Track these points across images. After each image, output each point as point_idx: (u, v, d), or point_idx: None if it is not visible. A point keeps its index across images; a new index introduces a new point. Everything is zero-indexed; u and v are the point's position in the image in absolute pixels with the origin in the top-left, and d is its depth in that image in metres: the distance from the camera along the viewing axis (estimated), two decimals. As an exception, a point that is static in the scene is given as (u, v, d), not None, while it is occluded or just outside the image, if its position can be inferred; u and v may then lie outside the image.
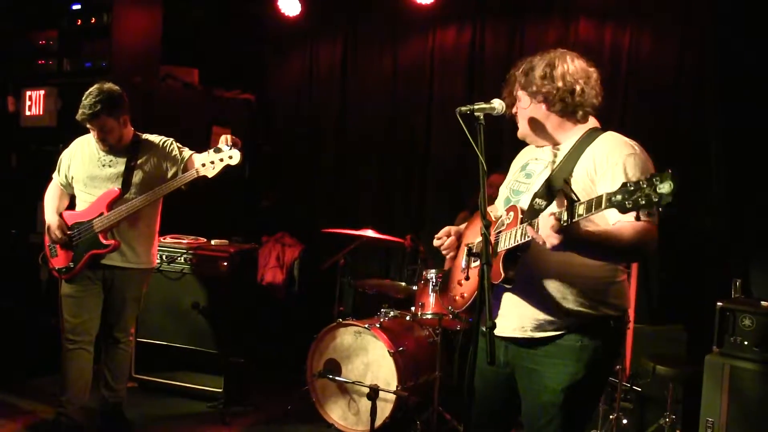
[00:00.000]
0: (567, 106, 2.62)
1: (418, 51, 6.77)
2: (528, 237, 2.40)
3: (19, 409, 4.82)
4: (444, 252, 2.99)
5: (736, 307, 4.09)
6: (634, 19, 5.70)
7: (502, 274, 2.51)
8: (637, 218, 2.06)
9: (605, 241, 2.38)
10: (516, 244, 2.49)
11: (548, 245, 2.26)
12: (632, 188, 2.01)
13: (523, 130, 2.77)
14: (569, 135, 2.67)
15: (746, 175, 5.08)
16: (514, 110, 2.76)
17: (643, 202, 1.97)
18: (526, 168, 2.79)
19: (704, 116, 5.37)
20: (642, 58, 5.67)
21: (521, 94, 2.71)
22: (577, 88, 2.60)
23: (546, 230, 2.24)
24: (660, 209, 1.97)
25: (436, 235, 2.98)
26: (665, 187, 1.93)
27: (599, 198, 2.13)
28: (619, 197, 2.04)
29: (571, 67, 2.63)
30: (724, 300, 4.16)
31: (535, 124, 2.71)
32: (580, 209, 2.20)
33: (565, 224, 2.22)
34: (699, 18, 5.42)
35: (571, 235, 2.25)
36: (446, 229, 2.98)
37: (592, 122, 2.69)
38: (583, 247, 2.39)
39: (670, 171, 1.94)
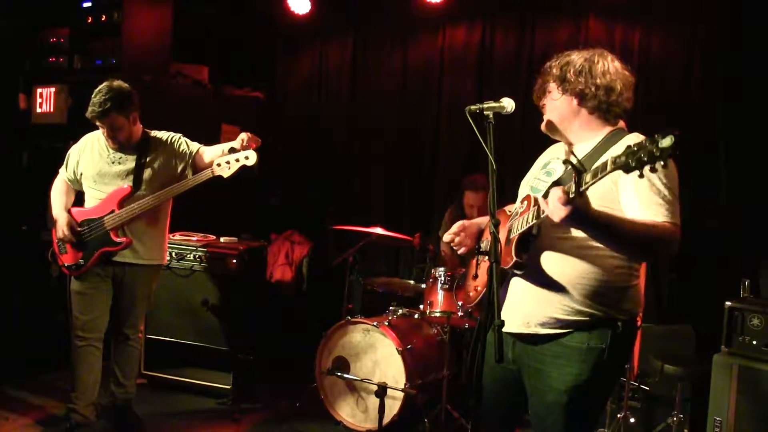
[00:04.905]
0: (601, 104, 2.59)
1: (428, 49, 6.78)
2: (539, 217, 2.41)
3: (30, 405, 4.85)
4: (455, 247, 2.96)
5: (744, 306, 4.07)
6: (644, 18, 5.70)
7: (514, 258, 2.50)
8: (641, 176, 2.01)
9: (616, 223, 2.36)
10: (528, 225, 2.49)
11: (555, 218, 2.25)
12: (636, 148, 2.01)
13: (549, 123, 2.73)
14: (595, 134, 2.63)
15: (755, 175, 5.07)
16: (542, 102, 2.73)
17: (646, 158, 1.97)
18: (547, 166, 2.76)
19: (712, 115, 5.36)
20: (651, 56, 5.67)
21: (553, 86, 2.67)
22: (617, 87, 2.59)
23: (554, 202, 2.23)
24: (662, 162, 1.95)
25: (448, 231, 2.94)
26: (666, 141, 1.94)
27: (604, 163, 2.12)
28: (623, 158, 2.04)
29: (611, 66, 2.61)
30: (733, 299, 4.15)
31: (563, 118, 2.68)
32: (587, 177, 2.18)
33: (573, 195, 2.20)
34: (707, 18, 5.41)
35: (578, 210, 2.24)
36: (460, 224, 2.95)
37: (620, 125, 2.67)
38: (591, 224, 2.36)
39: (673, 129, 1.95)
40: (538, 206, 2.43)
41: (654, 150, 1.95)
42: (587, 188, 2.20)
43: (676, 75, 5.56)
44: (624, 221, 2.38)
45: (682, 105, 5.52)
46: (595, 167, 2.17)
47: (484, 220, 3.01)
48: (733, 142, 5.23)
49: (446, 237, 2.95)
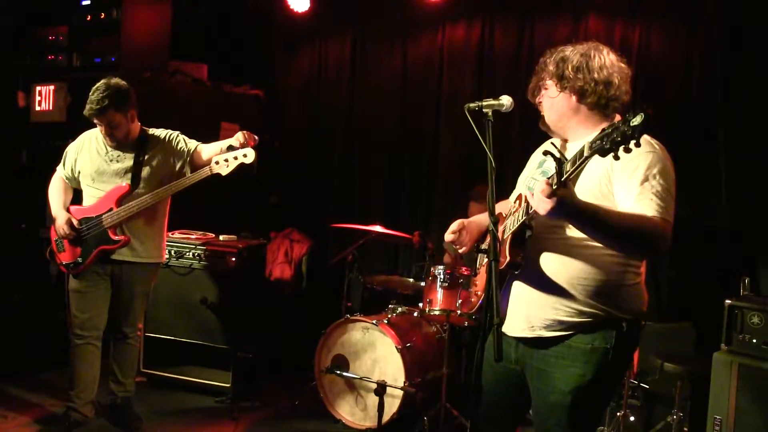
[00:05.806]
0: (600, 99, 2.57)
1: (428, 47, 6.76)
2: (528, 213, 2.40)
3: (29, 403, 4.84)
4: (456, 247, 2.92)
5: (744, 304, 4.07)
6: (644, 16, 5.69)
7: (508, 257, 2.50)
8: (616, 158, 2.00)
9: (603, 215, 2.32)
10: (519, 223, 2.48)
11: (541, 211, 2.22)
12: (609, 130, 2.01)
13: (548, 120, 2.72)
14: (592, 131, 2.57)
15: (754, 173, 5.06)
16: (539, 99, 2.72)
17: (619, 138, 1.97)
18: (543, 165, 2.75)
19: (712, 114, 5.35)
20: (651, 55, 5.66)
21: (550, 83, 2.65)
22: (614, 81, 2.56)
23: (538, 194, 2.21)
24: (635, 140, 1.95)
25: (449, 230, 2.89)
26: (637, 119, 1.93)
27: (581, 149, 2.12)
28: (598, 141, 2.04)
29: (607, 60, 2.59)
30: (733, 298, 4.15)
31: (562, 115, 2.66)
32: (568, 166, 2.18)
33: (555, 186, 2.18)
34: (707, 16, 5.40)
35: (563, 201, 2.20)
36: (458, 222, 2.90)
37: (616, 119, 2.59)
38: (578, 215, 2.32)
39: (644, 106, 1.95)
40: (528, 202, 2.41)
41: (626, 129, 1.95)
42: (569, 177, 2.19)
43: (676, 75, 5.54)
44: (611, 212, 2.35)
45: (682, 105, 5.51)
46: (573, 155, 2.16)
47: (483, 218, 2.98)
48: (733, 141, 5.21)
49: (447, 236, 2.90)
